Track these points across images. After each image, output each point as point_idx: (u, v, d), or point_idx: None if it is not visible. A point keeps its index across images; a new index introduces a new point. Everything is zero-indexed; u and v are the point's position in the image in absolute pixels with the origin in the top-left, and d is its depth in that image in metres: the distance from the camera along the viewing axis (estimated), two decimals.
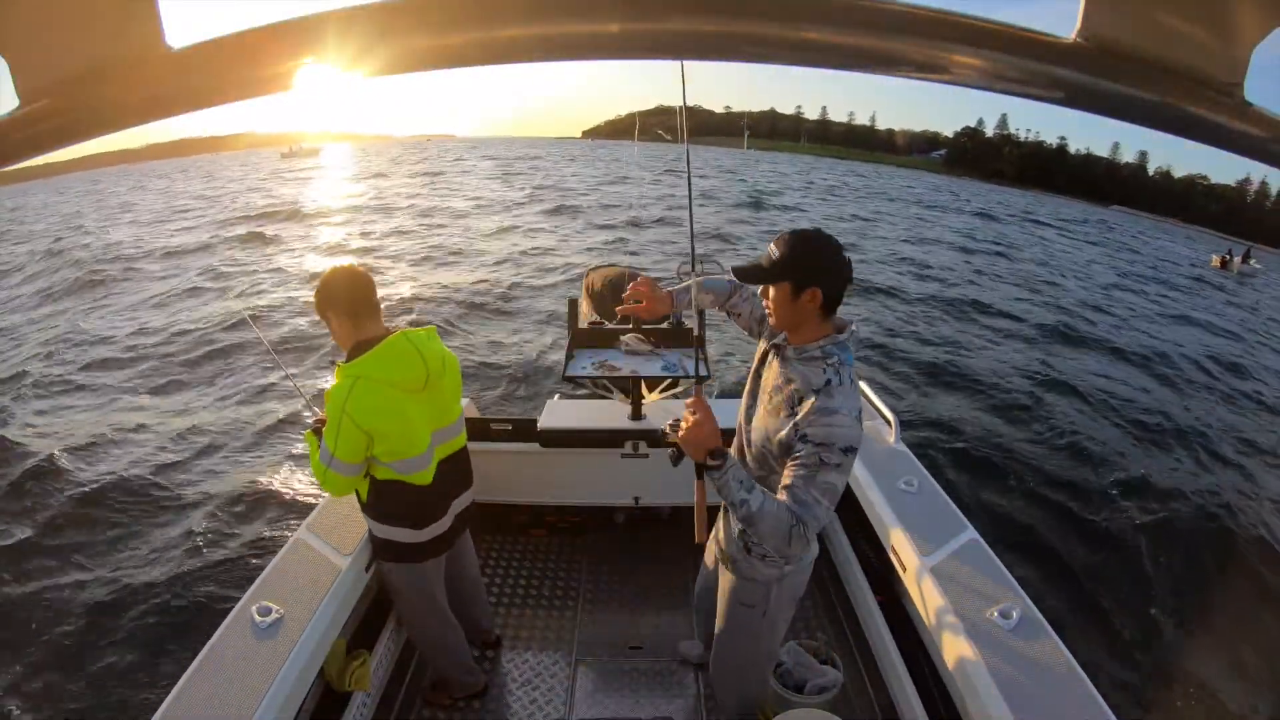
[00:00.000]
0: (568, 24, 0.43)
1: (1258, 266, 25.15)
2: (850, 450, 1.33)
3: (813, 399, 1.36)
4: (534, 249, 15.07)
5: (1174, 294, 17.30)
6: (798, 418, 1.37)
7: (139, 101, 0.44)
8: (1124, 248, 29.84)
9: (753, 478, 1.40)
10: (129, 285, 12.62)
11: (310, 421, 1.95)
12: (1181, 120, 0.45)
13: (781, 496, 1.34)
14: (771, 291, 1.42)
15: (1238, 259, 25.45)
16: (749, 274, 1.43)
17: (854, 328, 1.46)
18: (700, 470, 1.44)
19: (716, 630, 1.82)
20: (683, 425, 1.42)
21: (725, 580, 1.73)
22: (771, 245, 1.41)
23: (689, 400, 1.46)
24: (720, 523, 1.76)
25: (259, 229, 18.59)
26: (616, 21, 0.42)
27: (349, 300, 1.77)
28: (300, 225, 19.92)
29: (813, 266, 1.37)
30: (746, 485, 1.35)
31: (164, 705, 1.52)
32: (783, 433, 1.40)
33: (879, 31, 0.43)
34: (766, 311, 1.48)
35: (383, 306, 1.88)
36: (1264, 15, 0.39)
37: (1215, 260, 26.59)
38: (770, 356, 1.54)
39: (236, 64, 0.43)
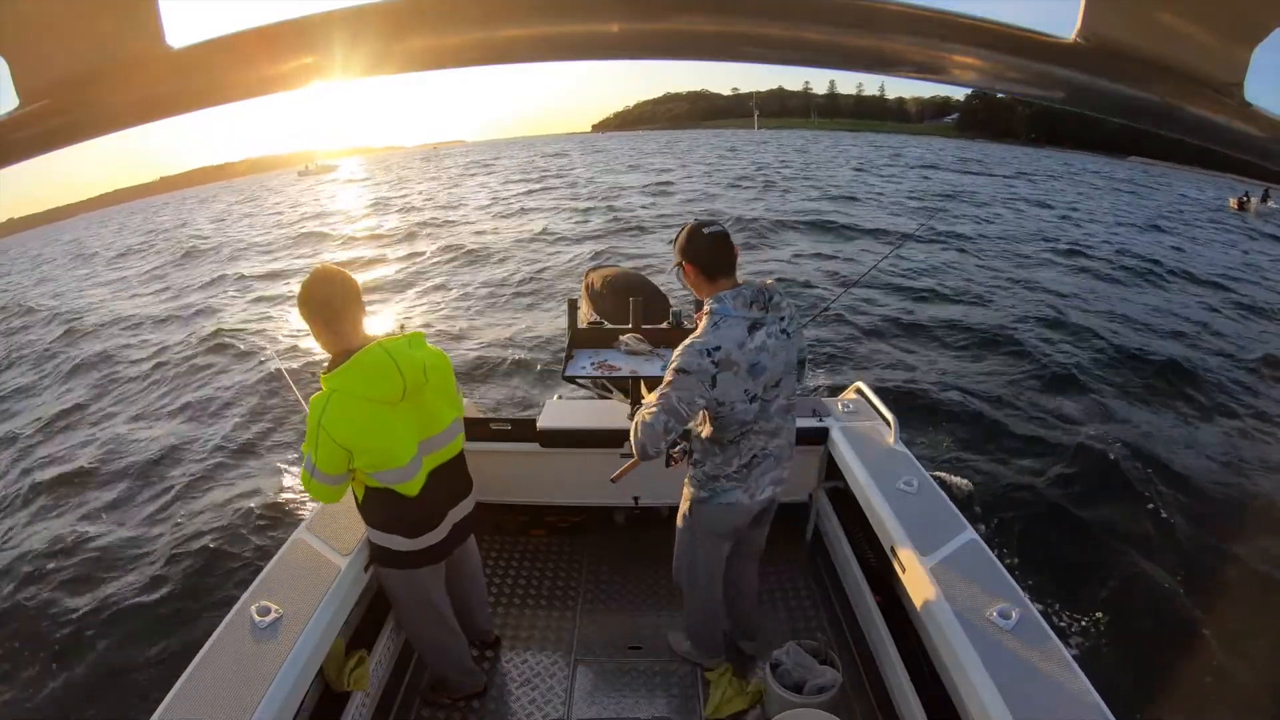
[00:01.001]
0: (568, 24, 0.43)
1: (1275, 207, 24.56)
2: (680, 371, 1.68)
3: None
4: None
5: (1188, 240, 16.93)
6: None
7: (139, 101, 0.44)
8: (1139, 195, 29.66)
9: None
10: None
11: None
12: (1181, 120, 0.45)
13: None
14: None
15: (1255, 200, 25.01)
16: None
17: (743, 287, 1.74)
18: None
19: None
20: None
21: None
22: None
23: None
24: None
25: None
26: (616, 21, 0.42)
27: (325, 306, 1.68)
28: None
29: (681, 249, 1.76)
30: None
31: (163, 705, 1.53)
32: None
33: (879, 31, 0.43)
34: None
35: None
36: (1264, 15, 0.39)
37: (1233, 202, 26.09)
38: None
39: (237, 64, 0.43)
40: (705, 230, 1.73)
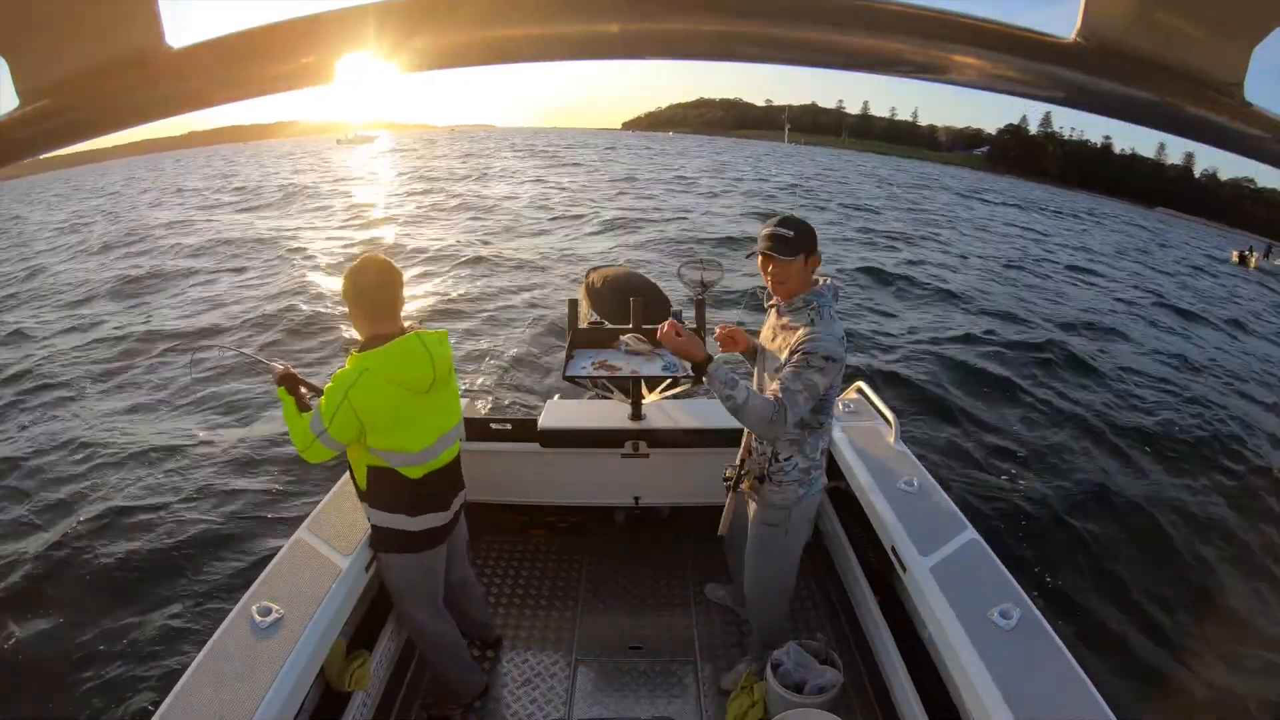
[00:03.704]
0: (568, 24, 0.43)
1: (1279, 264, 24.50)
2: (829, 359, 1.73)
3: (803, 330, 1.78)
4: None
5: (1169, 286, 17.37)
6: (792, 344, 1.79)
7: (139, 101, 0.44)
8: (1153, 244, 30.18)
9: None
10: None
11: (278, 372, 1.94)
12: (1181, 120, 0.45)
13: (776, 389, 1.73)
14: (781, 265, 1.79)
15: (1258, 255, 25.01)
16: (783, 249, 1.78)
17: (828, 280, 1.87)
18: (699, 372, 1.79)
19: (747, 552, 2.14)
20: (662, 337, 1.78)
21: (752, 509, 2.07)
22: (777, 228, 1.79)
23: (668, 322, 1.79)
24: (748, 459, 2.06)
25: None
26: (617, 21, 0.42)
27: (373, 295, 1.82)
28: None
29: (814, 240, 1.82)
30: (730, 383, 1.72)
31: (164, 705, 1.52)
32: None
33: (879, 31, 0.43)
34: (768, 286, 1.89)
35: None
36: (1264, 15, 0.39)
37: (1234, 255, 26.24)
38: (766, 320, 1.98)
39: (238, 63, 0.43)
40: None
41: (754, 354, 2.07)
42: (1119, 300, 14.05)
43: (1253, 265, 24.55)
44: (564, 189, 26.98)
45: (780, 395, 1.70)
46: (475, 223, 18.51)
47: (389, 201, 24.29)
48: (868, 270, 13.16)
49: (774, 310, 1.94)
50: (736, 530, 2.28)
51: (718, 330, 2.08)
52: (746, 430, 2.02)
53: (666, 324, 1.79)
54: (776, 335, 1.89)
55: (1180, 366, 9.31)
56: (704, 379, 1.77)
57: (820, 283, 1.86)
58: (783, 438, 1.88)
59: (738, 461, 2.09)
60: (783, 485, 1.96)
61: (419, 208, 21.91)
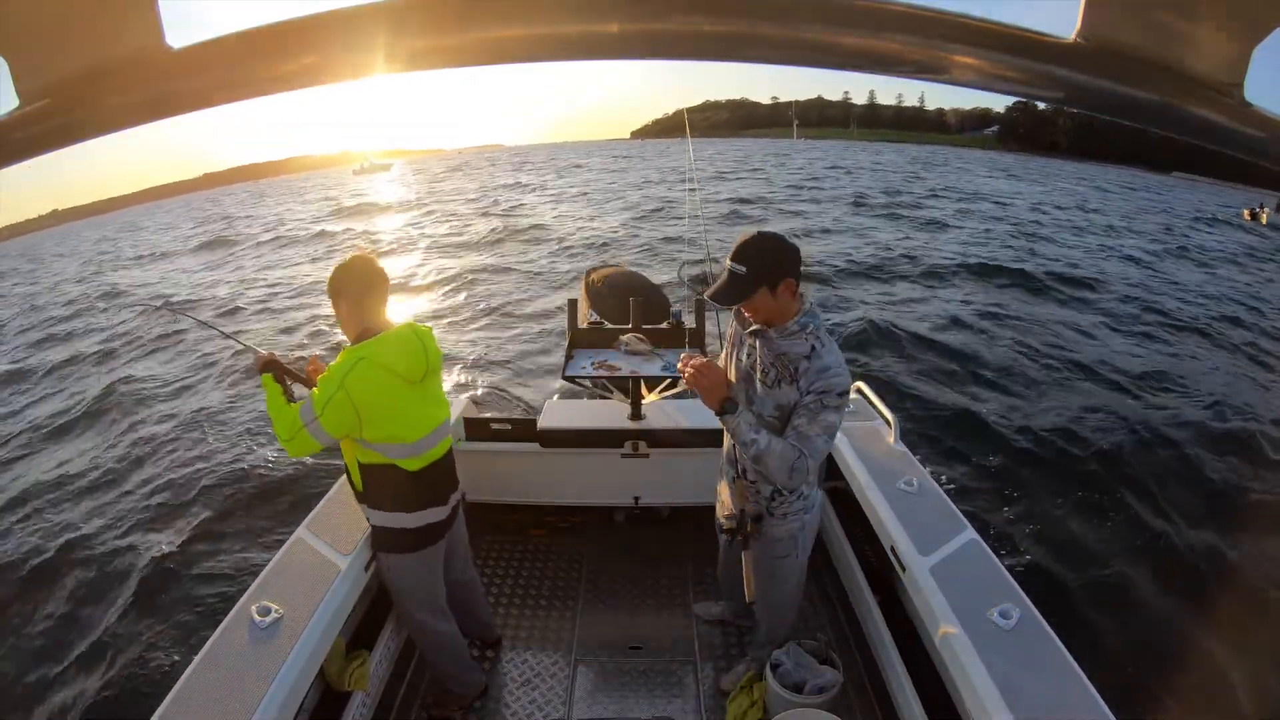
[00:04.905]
0: (567, 24, 0.43)
1: None
2: (844, 394, 1.59)
3: (806, 364, 1.61)
4: None
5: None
6: (800, 382, 1.62)
7: (139, 101, 0.44)
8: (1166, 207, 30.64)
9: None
10: None
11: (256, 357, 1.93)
12: (1181, 120, 0.45)
13: (790, 438, 1.59)
14: (746, 303, 1.61)
15: (1269, 210, 25.19)
16: (731, 295, 1.58)
17: (810, 298, 1.68)
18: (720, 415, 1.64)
19: (757, 586, 1.95)
20: (685, 375, 1.66)
21: (755, 546, 1.89)
22: (730, 262, 1.57)
23: (684, 355, 1.72)
24: (743, 498, 1.90)
25: None
26: (616, 21, 0.42)
27: (361, 290, 1.83)
28: None
29: (780, 263, 1.57)
30: (755, 428, 1.61)
31: (163, 705, 1.53)
32: (792, 399, 1.63)
33: (879, 31, 0.43)
34: (747, 315, 1.70)
35: None
36: (1264, 15, 0.39)
37: (1245, 213, 26.58)
38: (749, 342, 1.74)
39: (238, 63, 0.43)
40: (791, 241, 1.59)
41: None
42: (1132, 261, 13.94)
43: (1264, 220, 24.66)
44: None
45: (799, 444, 1.56)
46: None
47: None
48: (867, 257, 13.14)
49: (756, 334, 1.70)
50: (732, 564, 2.19)
51: (682, 359, 1.80)
52: (735, 475, 1.86)
53: (685, 359, 1.66)
54: (766, 365, 1.68)
55: (1197, 350, 9.14)
56: (725, 420, 1.63)
57: (808, 301, 1.66)
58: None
59: (736, 511, 1.87)
60: (786, 517, 1.84)
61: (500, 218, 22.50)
